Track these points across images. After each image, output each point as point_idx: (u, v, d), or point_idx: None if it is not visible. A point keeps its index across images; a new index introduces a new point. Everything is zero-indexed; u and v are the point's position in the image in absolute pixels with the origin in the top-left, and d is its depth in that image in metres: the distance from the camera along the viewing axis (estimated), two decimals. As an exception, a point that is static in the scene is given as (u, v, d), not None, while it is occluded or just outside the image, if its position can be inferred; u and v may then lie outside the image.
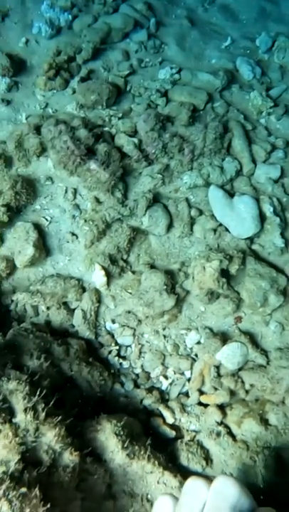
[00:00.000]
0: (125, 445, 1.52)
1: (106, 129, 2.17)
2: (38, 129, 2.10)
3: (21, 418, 1.38)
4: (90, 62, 2.48)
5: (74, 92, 2.35)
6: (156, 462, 1.53)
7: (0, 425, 1.33)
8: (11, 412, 1.40)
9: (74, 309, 1.87)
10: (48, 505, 1.19)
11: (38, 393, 1.44)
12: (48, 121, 2.07)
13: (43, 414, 1.40)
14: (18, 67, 2.41)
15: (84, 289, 1.90)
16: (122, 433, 1.54)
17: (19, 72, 2.42)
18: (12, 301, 1.86)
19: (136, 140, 2.08)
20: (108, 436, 1.53)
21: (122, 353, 1.87)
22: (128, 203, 1.99)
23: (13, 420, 1.38)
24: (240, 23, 2.92)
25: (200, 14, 2.92)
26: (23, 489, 1.23)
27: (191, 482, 0.84)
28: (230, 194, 2.09)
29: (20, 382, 1.46)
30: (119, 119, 2.19)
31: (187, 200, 2.06)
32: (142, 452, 1.53)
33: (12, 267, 1.90)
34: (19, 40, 2.54)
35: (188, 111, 2.19)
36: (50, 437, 1.38)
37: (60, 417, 1.41)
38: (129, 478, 1.51)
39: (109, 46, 2.58)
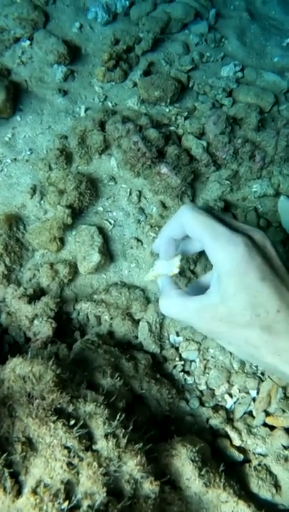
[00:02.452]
0: (202, 472, 1.45)
1: (172, 128, 2.05)
2: (101, 124, 1.98)
3: (103, 445, 1.30)
4: (149, 54, 2.35)
5: (134, 85, 2.22)
6: (231, 491, 1.47)
7: (82, 453, 1.25)
8: (90, 438, 1.32)
9: (138, 320, 1.79)
10: None
11: (117, 418, 1.36)
12: (114, 117, 1.96)
13: (124, 441, 1.33)
14: (73, 54, 2.28)
15: (148, 300, 1.81)
16: (197, 459, 1.47)
17: (74, 60, 2.29)
18: (74, 309, 1.77)
19: (204, 143, 1.98)
20: (184, 463, 1.46)
21: (187, 368, 1.79)
22: (197, 211, 1.89)
23: (94, 447, 1.31)
24: (301, 19, 2.79)
25: (259, 7, 2.79)
26: (114, 525, 1.16)
27: None
28: (299, 205, 2.00)
29: (98, 404, 1.38)
30: (185, 118, 2.08)
31: (256, 209, 1.97)
32: (217, 480, 1.47)
33: (74, 273, 1.80)
34: (72, 24, 2.40)
35: (257, 114, 2.08)
36: (132, 466, 1.31)
37: (141, 444, 1.34)
38: (203, 506, 1.45)
39: (167, 37, 2.45)
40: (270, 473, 1.63)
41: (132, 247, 1.87)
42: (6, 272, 1.74)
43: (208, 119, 2.00)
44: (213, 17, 2.55)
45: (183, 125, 2.06)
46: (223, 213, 0.97)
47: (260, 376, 1.80)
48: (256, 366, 1.82)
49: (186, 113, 2.12)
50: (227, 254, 0.76)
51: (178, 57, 2.36)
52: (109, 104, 2.17)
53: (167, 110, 2.15)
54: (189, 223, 0.85)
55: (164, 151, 1.89)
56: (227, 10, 2.66)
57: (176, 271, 1.08)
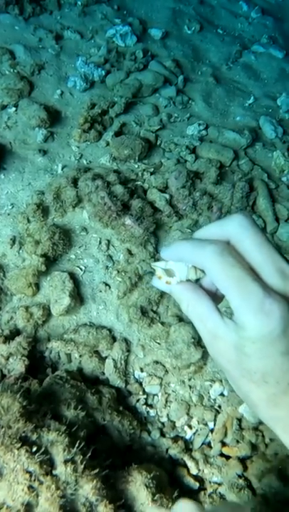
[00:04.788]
0: (155, 498, 1.59)
1: (138, 183, 2.29)
2: (74, 182, 2.22)
3: (62, 470, 1.46)
4: (122, 116, 2.62)
5: (107, 144, 2.48)
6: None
7: (42, 477, 1.41)
8: (51, 464, 1.48)
9: (105, 357, 1.96)
10: None
11: (76, 445, 1.52)
12: (86, 175, 2.20)
13: (81, 467, 1.48)
14: (54, 118, 2.55)
15: (114, 339, 1.99)
16: (152, 485, 1.62)
17: (54, 123, 2.56)
18: (47, 348, 1.95)
19: (167, 196, 2.21)
20: (139, 488, 1.60)
21: (149, 402, 1.95)
22: (159, 257, 2.11)
23: (54, 472, 1.46)
24: (262, 82, 3.09)
25: (224, 72, 3.09)
26: None
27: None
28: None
29: (60, 433, 1.54)
30: (151, 174, 2.33)
31: (214, 255, 2.17)
32: (170, 505, 1.61)
33: (47, 315, 1.99)
34: (54, 92, 2.70)
35: (216, 169, 2.32)
36: (88, 490, 1.46)
37: (97, 470, 1.49)
38: (157, 530, 1.58)
39: (139, 100, 2.74)
40: (224, 500, 1.77)
41: (100, 291, 2.07)
42: (-15, 315, 1.94)
43: (171, 175, 2.24)
44: (181, 82, 2.85)
45: (149, 180, 2.30)
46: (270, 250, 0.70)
47: (217, 409, 1.96)
48: (214, 399, 1.98)
49: (153, 169, 2.37)
50: (256, 321, 0.64)
51: (148, 118, 2.63)
52: (85, 162, 2.43)
53: (136, 166, 2.39)
54: (213, 270, 0.67)
55: (129, 204, 2.11)
56: (195, 75, 2.97)
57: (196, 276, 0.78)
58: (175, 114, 2.70)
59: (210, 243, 0.68)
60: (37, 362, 1.95)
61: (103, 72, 2.72)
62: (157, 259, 2.11)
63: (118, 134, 2.50)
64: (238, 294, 0.65)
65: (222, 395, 1.98)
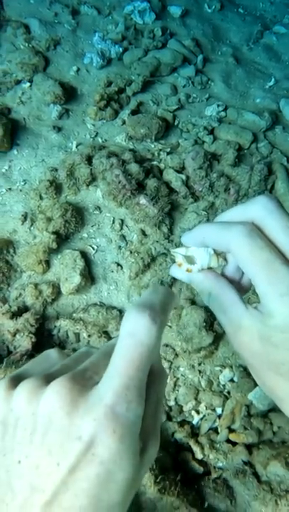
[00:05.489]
0: (158, 480, 1.57)
1: (154, 163, 2.24)
2: (89, 159, 2.17)
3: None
4: (139, 95, 2.56)
5: (123, 123, 2.43)
6: (184, 499, 1.58)
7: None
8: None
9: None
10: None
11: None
12: (100, 152, 2.15)
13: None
14: (69, 95, 2.50)
15: (125, 320, 1.95)
16: (154, 467, 1.59)
17: (70, 99, 2.50)
18: (55, 326, 1.92)
19: (184, 176, 2.15)
20: (144, 470, 1.57)
21: (158, 385, 1.91)
22: (174, 238, 2.06)
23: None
24: (283, 63, 2.99)
25: (245, 53, 3.01)
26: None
27: None
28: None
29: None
30: (167, 154, 2.27)
31: (229, 239, 2.12)
32: (172, 488, 1.59)
33: (57, 293, 1.96)
34: (70, 68, 2.63)
35: (234, 151, 2.26)
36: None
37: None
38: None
39: (157, 79, 2.67)
40: (228, 486, 1.74)
41: (112, 271, 2.03)
42: (-6, 291, 1.91)
43: (188, 155, 2.18)
44: (201, 61, 2.77)
45: (165, 160, 2.25)
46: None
47: (226, 394, 1.92)
48: (223, 385, 1.95)
49: (169, 149, 2.31)
50: (285, 308, 0.60)
51: (165, 97, 2.56)
52: (100, 140, 2.37)
53: (152, 146, 2.34)
54: (240, 252, 0.62)
55: (145, 183, 2.06)
56: (214, 55, 2.89)
57: (218, 263, 0.72)
58: (194, 94, 2.63)
59: (237, 224, 0.63)
60: (44, 340, 1.92)
61: (120, 49, 2.65)
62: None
63: (135, 112, 2.44)
64: (266, 278, 0.60)
65: (232, 380, 1.94)
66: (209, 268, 0.68)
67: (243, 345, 0.66)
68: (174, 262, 0.72)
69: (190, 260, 0.69)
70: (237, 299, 0.66)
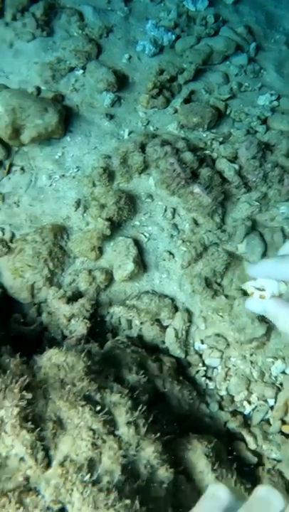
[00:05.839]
0: (215, 467, 1.57)
1: (207, 152, 2.22)
2: (142, 147, 2.17)
3: (124, 431, 1.45)
4: (191, 83, 2.54)
5: (175, 111, 2.41)
6: (242, 488, 1.58)
7: (105, 436, 1.40)
8: (113, 424, 1.48)
9: (166, 326, 1.94)
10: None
11: (139, 408, 1.51)
12: (154, 140, 2.15)
13: (144, 430, 1.47)
14: (121, 82, 2.50)
15: (176, 308, 1.96)
16: (211, 455, 1.60)
17: (122, 87, 2.50)
18: (108, 312, 1.94)
19: (236, 166, 2.13)
20: (199, 457, 1.58)
21: (209, 374, 1.92)
22: (226, 228, 2.04)
23: (116, 432, 1.45)
24: None
25: (299, 41, 2.94)
26: (127, 501, 1.29)
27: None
28: None
29: (123, 395, 1.53)
30: (220, 143, 2.24)
31: (282, 230, 2.09)
32: (229, 476, 1.59)
33: (110, 280, 1.98)
34: (122, 56, 2.63)
35: (288, 141, 2.21)
36: (149, 452, 1.45)
37: (159, 434, 1.48)
38: (215, 499, 1.56)
39: (209, 68, 2.64)
40: (282, 477, 1.73)
41: (164, 259, 2.04)
42: (49, 276, 1.94)
43: (241, 145, 2.16)
44: (253, 50, 2.72)
45: (217, 149, 2.23)
46: None
47: (279, 386, 1.90)
48: (275, 377, 1.93)
49: (222, 138, 2.28)
50: None
51: (217, 86, 2.54)
52: (151, 129, 2.37)
53: (204, 135, 2.32)
54: None
55: (198, 172, 2.05)
56: (267, 43, 2.83)
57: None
58: (246, 83, 2.59)
59: None
60: (97, 326, 1.94)
61: (173, 37, 2.63)
62: (229, 236, 2.06)
63: (187, 101, 2.42)
64: None
65: (284, 372, 1.92)
66: (280, 295, 0.74)
67: None
68: (246, 294, 0.79)
69: (261, 289, 0.76)
70: None
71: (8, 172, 2.20)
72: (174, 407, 1.77)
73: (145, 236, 2.06)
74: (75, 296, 1.91)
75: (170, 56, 2.65)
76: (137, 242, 2.02)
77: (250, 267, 0.77)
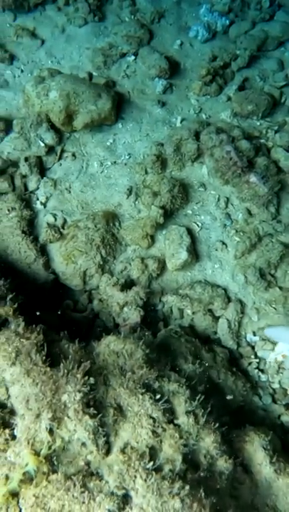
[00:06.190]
0: (273, 460, 1.55)
1: (262, 141, 2.17)
2: (196, 134, 2.14)
3: (184, 421, 1.44)
4: (244, 70, 2.48)
5: (228, 99, 2.37)
6: (297, 482, 1.55)
7: (165, 424, 1.40)
8: (172, 413, 1.47)
9: (218, 317, 1.91)
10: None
11: (197, 398, 1.49)
12: (209, 128, 2.11)
13: (202, 420, 1.46)
14: (173, 69, 2.46)
15: (229, 299, 1.93)
16: (269, 447, 1.57)
17: (173, 74, 2.47)
18: (160, 301, 1.93)
19: (293, 156, 2.08)
20: (256, 449, 1.56)
21: (261, 366, 1.89)
22: (281, 219, 2.00)
23: (176, 422, 1.45)
24: None
25: None
26: (192, 490, 1.29)
27: None
28: None
29: (181, 385, 1.52)
30: (275, 132, 2.19)
31: None
32: (288, 470, 1.56)
33: (162, 268, 1.96)
34: (174, 42, 2.59)
35: None
36: (209, 442, 1.43)
37: (217, 425, 1.47)
38: (272, 492, 1.54)
39: (263, 54, 2.57)
40: None
41: (216, 249, 2.01)
42: (101, 263, 1.94)
43: (299, 133, 2.10)
44: (309, 35, 2.64)
45: (273, 138, 2.17)
46: None
47: None
48: None
49: (277, 127, 2.23)
50: None
51: (272, 73, 2.47)
52: (204, 116, 2.33)
53: (258, 124, 2.27)
54: None
55: (254, 161, 2.01)
56: None
57: None
58: (301, 70, 2.52)
59: None
60: (149, 314, 1.94)
61: (227, 22, 2.57)
62: (285, 227, 2.02)
63: (241, 88, 2.37)
64: None
65: None
66: None
67: None
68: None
69: None
70: None
71: (60, 158, 2.20)
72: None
73: (198, 225, 2.04)
74: (127, 284, 1.91)
75: (223, 42, 2.59)
76: (189, 231, 2.00)
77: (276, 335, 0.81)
